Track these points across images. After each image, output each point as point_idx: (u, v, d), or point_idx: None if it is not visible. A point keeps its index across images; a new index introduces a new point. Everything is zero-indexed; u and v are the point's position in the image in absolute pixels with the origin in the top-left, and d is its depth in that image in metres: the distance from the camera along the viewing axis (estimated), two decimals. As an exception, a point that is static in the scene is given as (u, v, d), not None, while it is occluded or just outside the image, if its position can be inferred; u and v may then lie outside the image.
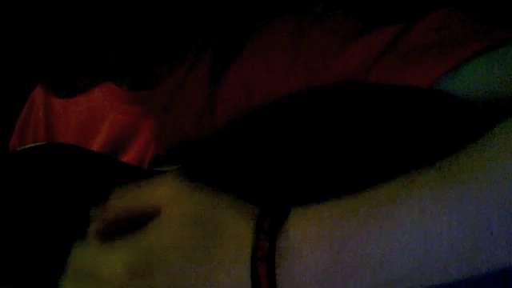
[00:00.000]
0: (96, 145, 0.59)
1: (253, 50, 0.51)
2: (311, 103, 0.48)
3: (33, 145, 0.51)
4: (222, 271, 0.37)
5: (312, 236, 0.37)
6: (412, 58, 0.45)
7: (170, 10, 0.51)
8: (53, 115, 0.64)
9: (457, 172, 0.35)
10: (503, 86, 0.42)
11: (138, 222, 0.40)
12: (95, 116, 0.60)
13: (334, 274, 0.36)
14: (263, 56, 0.51)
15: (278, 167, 0.46)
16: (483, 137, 0.36)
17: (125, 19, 0.48)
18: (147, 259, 0.38)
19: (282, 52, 0.50)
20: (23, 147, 0.50)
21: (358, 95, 0.47)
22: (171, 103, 0.54)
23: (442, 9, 0.46)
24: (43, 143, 0.51)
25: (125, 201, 0.41)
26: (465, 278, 0.36)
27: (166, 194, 0.39)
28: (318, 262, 0.36)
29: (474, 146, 0.36)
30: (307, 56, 0.49)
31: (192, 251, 0.37)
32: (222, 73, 0.52)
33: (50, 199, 0.49)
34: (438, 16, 0.46)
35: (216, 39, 0.53)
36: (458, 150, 0.37)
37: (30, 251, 0.49)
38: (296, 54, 0.49)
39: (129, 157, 0.56)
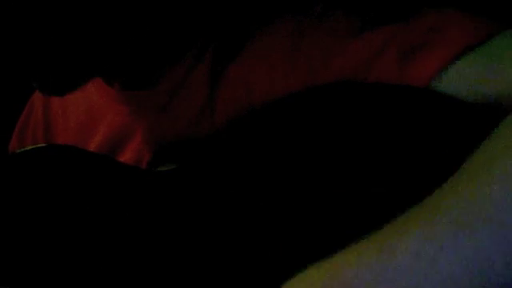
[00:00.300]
0: (93, 145, 0.59)
1: (253, 50, 0.52)
2: (311, 103, 0.48)
3: (32, 147, 0.51)
4: None
5: None
6: (410, 56, 0.45)
7: (171, 11, 0.51)
8: (51, 117, 0.65)
9: (446, 212, 0.35)
10: (488, 85, 0.43)
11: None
12: (93, 117, 0.60)
13: None
14: (263, 56, 0.51)
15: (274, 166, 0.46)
16: (465, 164, 0.36)
17: (125, 19, 0.48)
18: None
19: (282, 52, 0.50)
20: (23, 149, 0.50)
21: (356, 95, 0.47)
22: (170, 103, 0.54)
23: (440, 8, 0.46)
24: (43, 145, 0.51)
25: None
26: None
27: None
28: None
29: (459, 175, 0.36)
30: (307, 55, 0.49)
31: None
32: (222, 72, 0.52)
33: (49, 201, 0.50)
34: (437, 15, 0.46)
35: (216, 40, 0.53)
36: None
37: (29, 252, 0.49)
38: (296, 54, 0.50)
39: (126, 157, 0.56)
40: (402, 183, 0.42)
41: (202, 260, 0.47)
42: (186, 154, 0.52)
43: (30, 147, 0.51)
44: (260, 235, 0.45)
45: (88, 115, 0.61)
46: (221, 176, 0.48)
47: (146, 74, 0.54)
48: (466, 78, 0.44)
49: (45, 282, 0.49)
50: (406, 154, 0.43)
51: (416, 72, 0.45)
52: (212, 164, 0.49)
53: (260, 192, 0.46)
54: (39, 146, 0.51)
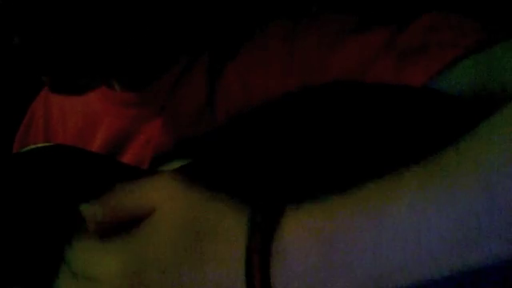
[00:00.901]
0: (94, 149, 0.59)
1: (250, 49, 0.52)
2: (307, 102, 0.48)
3: (34, 146, 0.51)
4: (215, 267, 0.37)
5: (302, 231, 0.37)
6: (407, 58, 0.45)
7: (170, 11, 0.51)
8: (51, 125, 0.65)
9: (444, 167, 0.35)
10: (491, 85, 0.43)
11: (134, 221, 0.40)
12: (91, 121, 0.60)
13: (324, 266, 0.36)
14: (260, 56, 0.51)
15: (274, 165, 0.46)
16: (469, 133, 0.36)
17: (123, 20, 0.49)
18: (141, 259, 0.38)
19: (279, 52, 0.50)
20: (25, 149, 0.51)
21: (353, 94, 0.47)
22: (169, 103, 0.54)
23: (436, 9, 0.47)
24: (44, 145, 0.51)
25: (121, 199, 0.41)
26: (459, 275, 0.35)
27: (160, 193, 0.40)
28: (308, 255, 0.36)
29: (461, 141, 0.36)
30: (304, 55, 0.49)
31: (184, 249, 0.38)
32: (221, 72, 0.53)
33: (50, 200, 0.50)
34: (434, 16, 0.46)
35: (214, 40, 0.53)
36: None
37: (31, 252, 0.50)
38: (292, 54, 0.50)
39: (127, 158, 0.57)
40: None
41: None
42: (187, 153, 0.53)
43: (31, 147, 0.51)
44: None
45: (86, 120, 0.61)
46: (218, 173, 0.48)
47: (144, 73, 0.55)
48: (462, 82, 0.44)
49: (43, 282, 0.49)
50: (400, 152, 0.43)
51: (412, 75, 0.45)
52: (212, 163, 0.50)
53: (255, 190, 0.46)
54: (40, 145, 0.51)
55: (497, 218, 0.33)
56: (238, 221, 0.38)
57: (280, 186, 0.44)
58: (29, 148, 0.50)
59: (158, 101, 0.55)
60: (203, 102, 0.53)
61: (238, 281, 0.37)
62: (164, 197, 0.39)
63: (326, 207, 0.38)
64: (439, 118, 0.43)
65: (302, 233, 0.37)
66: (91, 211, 0.41)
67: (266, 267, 0.36)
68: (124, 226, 0.40)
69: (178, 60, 0.54)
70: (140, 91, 0.55)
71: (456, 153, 0.36)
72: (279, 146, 0.47)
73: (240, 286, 0.37)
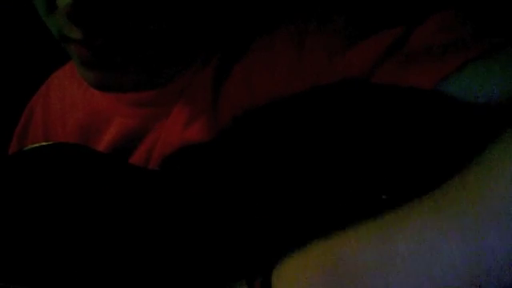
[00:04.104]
0: (101, 147, 0.59)
1: (257, 50, 0.52)
2: (314, 104, 0.48)
3: (38, 144, 0.51)
4: None
5: (304, 267, 0.37)
6: (415, 60, 0.45)
7: (180, 13, 0.51)
8: (50, 122, 0.65)
9: (452, 202, 0.35)
10: (502, 89, 0.42)
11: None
12: (97, 120, 0.60)
13: None
14: (267, 56, 0.51)
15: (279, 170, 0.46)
16: (475, 161, 0.36)
17: (135, 18, 0.48)
18: None
19: (286, 53, 0.50)
20: (31, 146, 0.51)
21: (360, 97, 0.47)
22: (178, 105, 0.55)
23: (444, 10, 0.46)
24: (50, 143, 0.51)
25: None
26: None
27: None
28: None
29: (467, 172, 0.36)
30: (311, 58, 0.49)
31: None
32: (227, 73, 0.53)
33: (55, 199, 0.50)
34: (441, 18, 0.46)
35: (223, 43, 0.54)
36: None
37: (36, 250, 0.49)
38: (299, 56, 0.50)
39: (134, 159, 0.56)
40: (405, 181, 0.42)
41: (199, 256, 0.47)
42: (193, 155, 0.53)
43: (36, 144, 0.51)
44: (256, 221, 0.45)
45: (91, 118, 0.61)
46: (223, 175, 0.49)
47: (161, 71, 0.55)
48: (472, 86, 0.43)
49: (46, 282, 0.49)
50: (411, 152, 0.43)
51: (420, 77, 0.44)
52: (215, 164, 0.50)
53: (261, 188, 0.46)
54: (45, 143, 0.51)
55: None
56: None
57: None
58: (36, 145, 0.50)
59: (170, 101, 0.55)
60: (210, 102, 0.53)
61: None
62: None
63: (327, 246, 0.37)
64: (446, 122, 0.43)
65: (303, 277, 0.37)
66: None
67: None
68: None
69: (193, 60, 0.54)
70: (155, 90, 0.55)
71: (464, 187, 0.35)
72: (286, 148, 0.47)
73: None
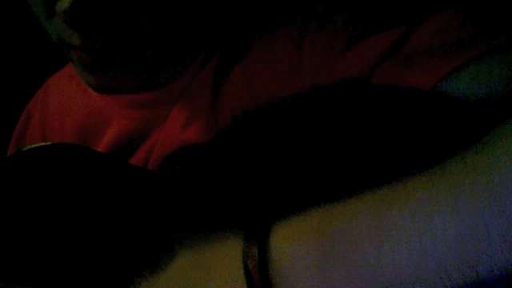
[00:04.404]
0: (100, 148, 0.59)
1: (258, 50, 0.52)
2: (314, 104, 0.48)
3: (37, 145, 0.51)
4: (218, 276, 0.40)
5: (299, 235, 0.38)
6: (415, 60, 0.45)
7: (180, 13, 0.51)
8: (48, 123, 0.65)
9: (450, 177, 0.35)
10: (502, 89, 0.42)
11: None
12: (96, 121, 0.60)
13: (324, 271, 0.36)
14: (268, 56, 0.51)
15: (280, 167, 0.46)
16: (476, 144, 0.36)
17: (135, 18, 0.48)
18: None
19: (287, 53, 0.50)
20: (29, 147, 0.50)
21: (360, 97, 0.47)
22: (178, 104, 0.54)
23: (444, 10, 0.46)
24: (49, 144, 0.51)
25: None
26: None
27: None
28: (307, 258, 0.37)
29: (468, 152, 0.36)
30: (312, 58, 0.49)
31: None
32: (227, 73, 0.53)
33: (55, 199, 0.50)
34: (441, 18, 0.46)
35: (223, 43, 0.54)
36: (457, 152, 0.37)
37: (36, 251, 0.49)
38: (300, 56, 0.50)
39: (134, 160, 0.56)
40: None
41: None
42: (192, 155, 0.53)
43: (35, 145, 0.50)
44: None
45: (90, 120, 0.61)
46: (223, 175, 0.49)
47: (155, 74, 0.54)
48: (472, 86, 0.43)
49: (46, 282, 0.49)
50: (407, 155, 0.43)
51: (418, 79, 0.44)
52: (215, 165, 0.50)
53: (260, 188, 0.46)
54: (44, 144, 0.51)
55: (507, 229, 0.33)
56: (234, 245, 0.41)
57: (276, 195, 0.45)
58: (34, 146, 0.50)
59: (170, 102, 0.55)
60: (209, 102, 0.53)
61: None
62: None
63: (324, 212, 0.38)
64: (446, 121, 0.43)
65: (299, 236, 0.37)
66: None
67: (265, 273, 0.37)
68: None
69: (193, 60, 0.54)
70: (154, 91, 0.55)
71: (463, 163, 0.35)
72: (285, 148, 0.47)
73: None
